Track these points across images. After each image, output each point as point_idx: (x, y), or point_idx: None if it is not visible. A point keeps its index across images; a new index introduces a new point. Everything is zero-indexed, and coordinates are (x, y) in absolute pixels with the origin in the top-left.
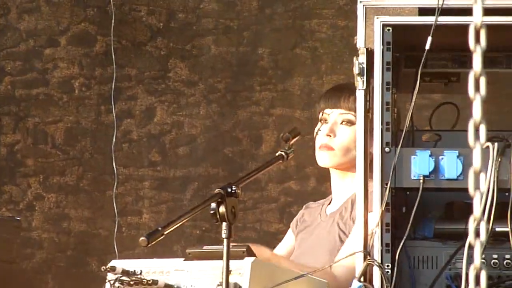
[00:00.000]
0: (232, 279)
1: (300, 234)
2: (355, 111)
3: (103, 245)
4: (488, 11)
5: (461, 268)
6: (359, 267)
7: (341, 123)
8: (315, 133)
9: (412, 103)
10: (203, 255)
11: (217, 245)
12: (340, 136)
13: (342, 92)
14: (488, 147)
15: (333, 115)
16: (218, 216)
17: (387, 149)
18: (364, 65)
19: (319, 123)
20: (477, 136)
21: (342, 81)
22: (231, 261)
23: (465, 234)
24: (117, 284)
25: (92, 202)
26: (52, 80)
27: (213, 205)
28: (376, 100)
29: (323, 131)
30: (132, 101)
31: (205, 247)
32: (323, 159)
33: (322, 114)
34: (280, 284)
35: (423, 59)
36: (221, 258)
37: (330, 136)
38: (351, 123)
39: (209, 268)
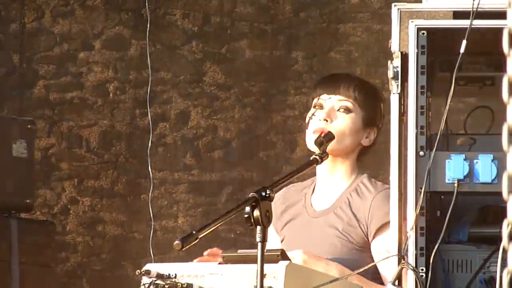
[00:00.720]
0: (266, 283)
1: (284, 229)
2: (353, 99)
3: (138, 248)
4: None
5: (495, 272)
6: (394, 270)
7: (338, 109)
8: (307, 118)
9: (447, 107)
10: (237, 259)
11: (252, 249)
12: (336, 122)
13: (342, 80)
14: None
15: (330, 101)
16: (252, 220)
17: (421, 153)
18: (399, 69)
19: (313, 109)
20: (511, 140)
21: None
22: (265, 265)
23: (499, 238)
24: None
25: (127, 206)
26: (86, 83)
27: (247, 209)
28: (410, 104)
29: (318, 116)
30: (167, 104)
31: (239, 251)
32: (314, 146)
33: (318, 100)
34: (315, 287)
35: (458, 62)
36: (255, 261)
37: (327, 121)
38: (348, 110)
39: (243, 272)
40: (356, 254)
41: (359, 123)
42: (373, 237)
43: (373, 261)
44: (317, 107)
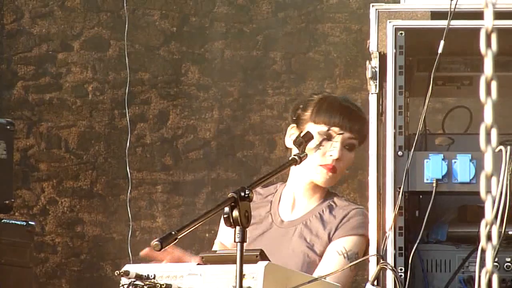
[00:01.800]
0: (245, 283)
1: (256, 242)
2: (356, 135)
3: (117, 249)
4: (500, 15)
5: (474, 272)
6: (373, 270)
7: (345, 146)
8: (314, 147)
9: (425, 107)
10: (216, 259)
11: (231, 249)
12: (343, 160)
13: (355, 116)
14: (501, 150)
15: (341, 136)
16: (231, 220)
17: (400, 153)
18: (377, 69)
19: (317, 135)
20: (488, 140)
21: (356, 85)
22: (244, 265)
23: (477, 238)
24: None
25: (105, 207)
26: (65, 84)
27: (226, 209)
28: (389, 103)
29: (332, 152)
30: (146, 105)
31: (218, 251)
32: (326, 180)
33: (328, 130)
34: (294, 287)
35: (436, 63)
36: (234, 262)
37: (339, 160)
38: (353, 147)
39: (222, 272)
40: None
41: (354, 153)
42: (337, 238)
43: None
44: (325, 136)
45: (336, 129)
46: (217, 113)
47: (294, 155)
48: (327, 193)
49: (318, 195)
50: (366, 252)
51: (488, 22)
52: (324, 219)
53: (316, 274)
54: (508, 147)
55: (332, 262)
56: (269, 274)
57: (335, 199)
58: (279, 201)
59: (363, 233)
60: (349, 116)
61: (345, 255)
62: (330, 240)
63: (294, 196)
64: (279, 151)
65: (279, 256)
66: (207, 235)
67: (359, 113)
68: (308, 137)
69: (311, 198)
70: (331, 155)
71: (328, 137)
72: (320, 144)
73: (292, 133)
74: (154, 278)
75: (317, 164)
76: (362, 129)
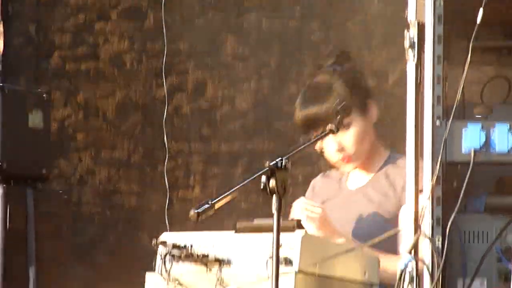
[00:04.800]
0: (282, 253)
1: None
2: (337, 116)
3: (154, 219)
4: None
5: None
6: (410, 241)
7: (337, 133)
8: (319, 151)
9: (464, 76)
10: (253, 229)
11: (268, 218)
12: (347, 145)
13: (313, 127)
14: None
15: (327, 144)
16: (268, 190)
17: (438, 123)
18: (415, 39)
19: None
20: None
21: (394, 55)
22: (281, 235)
23: None
24: (168, 258)
25: (143, 177)
26: (102, 54)
27: (264, 178)
28: (427, 73)
29: (330, 149)
30: (183, 75)
31: (255, 221)
32: (349, 168)
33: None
34: (331, 257)
35: (475, 32)
36: (271, 231)
37: (341, 150)
38: (346, 126)
39: (259, 241)
40: (385, 228)
41: (360, 122)
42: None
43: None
44: (321, 151)
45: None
46: (254, 84)
47: (331, 125)
48: (383, 151)
49: (380, 158)
50: None
51: None
52: (390, 176)
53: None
54: None
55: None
56: (306, 244)
57: (398, 159)
58: (347, 179)
59: None
60: (306, 120)
61: None
62: (399, 200)
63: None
64: None
65: (347, 222)
66: (243, 204)
67: (314, 102)
68: (345, 108)
69: (373, 164)
70: (334, 151)
71: (321, 150)
72: (322, 150)
73: None
74: (191, 247)
75: (335, 163)
76: (337, 106)
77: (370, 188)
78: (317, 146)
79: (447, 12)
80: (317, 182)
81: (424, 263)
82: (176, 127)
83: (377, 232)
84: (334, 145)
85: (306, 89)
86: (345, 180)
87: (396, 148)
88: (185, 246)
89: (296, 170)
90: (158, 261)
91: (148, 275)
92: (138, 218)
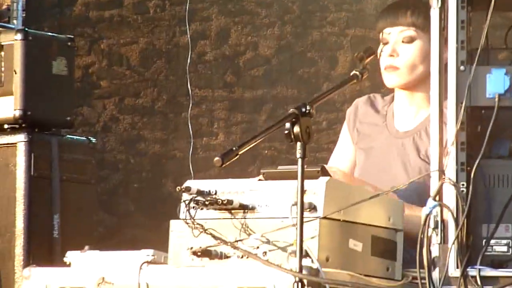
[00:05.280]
0: (306, 199)
1: (363, 149)
2: (415, 26)
3: (178, 166)
4: None
5: None
6: (434, 186)
7: (402, 41)
8: (378, 55)
9: (487, 21)
10: (277, 175)
11: (292, 165)
12: (403, 54)
13: (399, 9)
14: None
15: (393, 34)
16: (292, 136)
17: (462, 68)
18: None
19: (381, 44)
20: None
21: None
22: (305, 181)
23: None
24: (192, 204)
25: (167, 124)
26: (126, 1)
27: (288, 125)
28: (451, 18)
29: (385, 52)
30: (207, 22)
31: (279, 167)
32: (390, 79)
33: (382, 35)
34: (355, 203)
35: None
36: (295, 178)
37: (393, 56)
38: (412, 39)
39: (283, 188)
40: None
41: (427, 47)
42: None
43: None
44: (383, 42)
45: (386, 29)
46: (278, 30)
47: (355, 71)
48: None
49: (420, 100)
50: None
51: None
52: None
53: None
54: None
55: None
56: (330, 190)
57: None
58: (393, 114)
59: None
60: (395, 10)
61: None
62: None
63: (402, 109)
64: (340, 67)
65: (392, 169)
66: (267, 151)
67: (410, 2)
68: (370, 51)
69: (414, 103)
70: (386, 55)
71: (386, 41)
72: (381, 51)
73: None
74: (215, 194)
75: (383, 69)
76: (419, 16)
77: (417, 136)
78: (379, 49)
79: None
80: (361, 106)
81: (448, 208)
82: (199, 74)
83: (417, 199)
84: (389, 49)
85: None
86: (390, 114)
87: None
88: (209, 193)
89: (320, 117)
90: (183, 207)
91: (173, 222)
92: (162, 165)
